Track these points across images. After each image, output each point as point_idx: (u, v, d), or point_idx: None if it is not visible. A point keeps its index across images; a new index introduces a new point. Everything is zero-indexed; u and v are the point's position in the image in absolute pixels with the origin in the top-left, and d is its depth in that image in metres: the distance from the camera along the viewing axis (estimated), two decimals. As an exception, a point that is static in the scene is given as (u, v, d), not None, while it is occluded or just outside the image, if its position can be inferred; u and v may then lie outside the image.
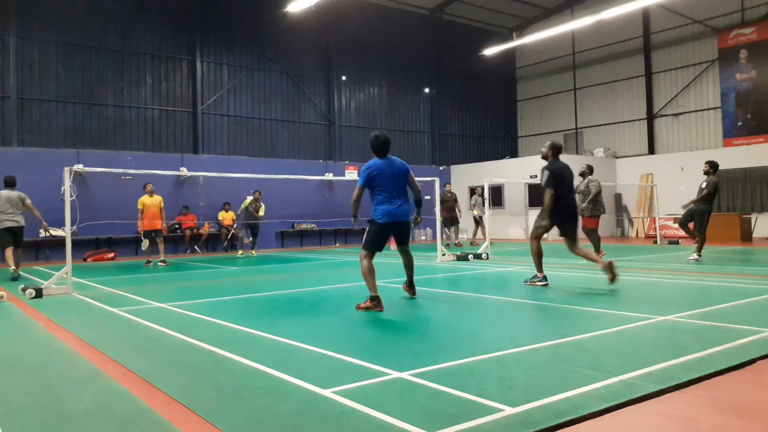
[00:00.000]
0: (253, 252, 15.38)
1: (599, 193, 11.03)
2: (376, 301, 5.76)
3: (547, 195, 7.15)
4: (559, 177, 7.13)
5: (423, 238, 21.23)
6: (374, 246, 6.14)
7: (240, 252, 15.35)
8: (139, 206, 12.45)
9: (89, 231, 13.91)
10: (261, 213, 15.05)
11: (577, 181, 9.80)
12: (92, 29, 16.71)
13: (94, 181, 15.13)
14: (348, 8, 20.45)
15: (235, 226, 16.28)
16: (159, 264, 12.42)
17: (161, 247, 12.77)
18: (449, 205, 16.60)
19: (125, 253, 15.67)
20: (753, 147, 18.61)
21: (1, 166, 14.50)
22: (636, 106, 22.18)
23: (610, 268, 6.84)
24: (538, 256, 7.41)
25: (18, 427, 2.79)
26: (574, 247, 7.29)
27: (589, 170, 11.39)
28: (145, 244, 12.66)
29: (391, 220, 6.07)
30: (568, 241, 7.34)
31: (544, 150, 7.47)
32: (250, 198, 14.96)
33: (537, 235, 7.46)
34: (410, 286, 6.62)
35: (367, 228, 6.20)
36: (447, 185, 17.60)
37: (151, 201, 12.45)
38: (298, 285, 8.38)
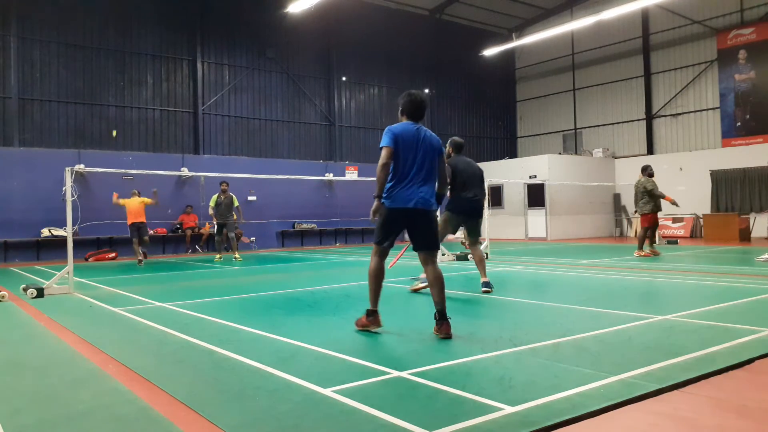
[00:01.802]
0: (219, 256, 13.53)
1: (640, 193, 11.69)
2: (372, 317, 4.63)
3: None
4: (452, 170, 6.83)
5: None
6: (380, 238, 4.62)
7: (236, 255, 13.53)
8: (122, 203, 12.77)
9: (90, 231, 13.93)
10: (236, 204, 13.35)
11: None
12: (93, 30, 16.73)
13: (95, 181, 15.15)
14: (348, 8, 20.48)
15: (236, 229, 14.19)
16: (139, 262, 12.67)
17: (138, 247, 12.85)
18: None
19: (126, 253, 15.66)
20: (752, 147, 18.63)
21: (2, 166, 14.57)
22: (635, 107, 22.20)
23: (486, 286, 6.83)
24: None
25: (18, 427, 2.80)
26: (473, 246, 7.11)
27: (642, 170, 12.01)
28: (137, 242, 12.87)
29: (401, 205, 4.47)
30: (469, 239, 7.22)
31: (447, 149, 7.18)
32: (215, 195, 13.27)
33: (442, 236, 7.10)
34: (442, 318, 4.48)
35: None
36: None
37: (132, 200, 12.79)
38: (299, 285, 8.39)
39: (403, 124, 4.65)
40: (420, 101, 4.72)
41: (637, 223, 20.63)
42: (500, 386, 3.18)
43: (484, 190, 7.15)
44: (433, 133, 4.81)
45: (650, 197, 11.56)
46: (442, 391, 3.12)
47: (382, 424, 2.65)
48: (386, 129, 4.57)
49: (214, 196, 13.38)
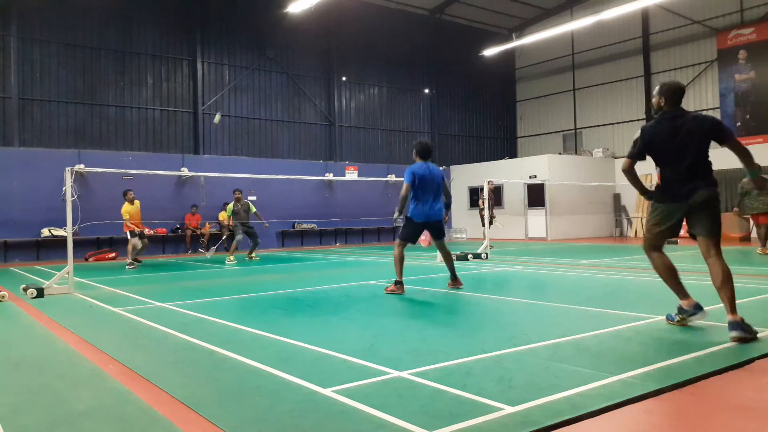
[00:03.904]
0: (253, 255, 13.61)
1: (745, 193, 12.01)
2: (399, 285, 6.90)
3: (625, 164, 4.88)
4: (650, 139, 4.65)
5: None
6: (408, 238, 7.21)
7: (231, 258, 13.24)
8: (126, 215, 12.41)
9: (90, 231, 13.93)
10: (254, 210, 13.37)
11: None
12: (93, 30, 16.74)
13: (95, 181, 15.15)
14: (348, 8, 20.48)
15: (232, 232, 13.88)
16: (127, 267, 12.31)
17: (142, 247, 12.86)
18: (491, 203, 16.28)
19: (126, 253, 15.66)
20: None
21: (2, 166, 14.58)
22: (635, 107, 22.19)
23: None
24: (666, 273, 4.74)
25: (18, 427, 2.80)
26: (700, 244, 4.45)
27: None
28: (142, 243, 12.70)
29: (426, 219, 7.09)
30: (700, 239, 4.44)
31: (654, 97, 4.76)
32: (231, 204, 13.19)
33: (650, 245, 4.74)
34: (454, 279, 7.31)
35: (404, 223, 7.25)
36: (490, 182, 16.92)
37: (133, 207, 12.55)
38: (299, 285, 8.39)
39: (418, 164, 7.10)
40: (428, 147, 7.30)
41: (637, 224, 20.66)
42: (500, 386, 3.18)
43: (691, 166, 4.41)
44: (437, 167, 7.26)
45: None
46: (442, 391, 3.12)
47: (382, 424, 2.65)
48: (408, 169, 7.03)
49: (230, 205, 13.22)
